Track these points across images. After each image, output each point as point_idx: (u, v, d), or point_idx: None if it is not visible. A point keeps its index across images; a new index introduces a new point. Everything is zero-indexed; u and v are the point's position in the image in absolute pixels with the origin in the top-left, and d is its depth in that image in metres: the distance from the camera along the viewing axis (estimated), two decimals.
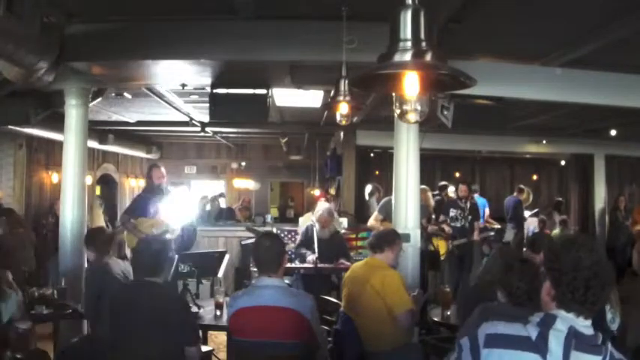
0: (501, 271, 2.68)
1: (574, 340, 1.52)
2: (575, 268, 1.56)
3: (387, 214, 6.23)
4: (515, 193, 10.43)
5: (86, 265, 5.39)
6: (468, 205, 7.60)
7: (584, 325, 1.56)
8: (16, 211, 7.66)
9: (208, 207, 11.14)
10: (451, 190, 8.54)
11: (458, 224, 7.50)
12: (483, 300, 2.69)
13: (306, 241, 6.05)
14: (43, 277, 6.59)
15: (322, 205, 6.30)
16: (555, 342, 1.52)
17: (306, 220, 7.09)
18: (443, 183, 9.52)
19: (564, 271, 1.57)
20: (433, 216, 7.92)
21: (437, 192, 8.90)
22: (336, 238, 6.15)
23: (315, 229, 5.97)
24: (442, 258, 7.35)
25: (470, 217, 7.55)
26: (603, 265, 1.58)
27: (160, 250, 3.07)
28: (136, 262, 3.12)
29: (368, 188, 8.99)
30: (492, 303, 2.49)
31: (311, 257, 5.81)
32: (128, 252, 6.49)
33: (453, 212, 7.60)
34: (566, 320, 1.55)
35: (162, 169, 5.89)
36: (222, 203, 11.89)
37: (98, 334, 3.70)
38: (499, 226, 9.64)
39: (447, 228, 7.42)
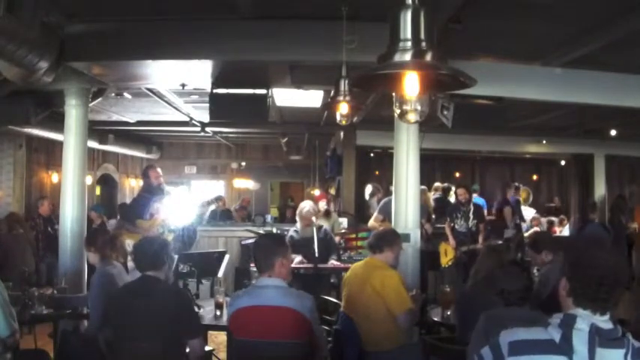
0: (492, 274, 2.68)
1: (597, 337, 1.54)
2: (590, 265, 1.60)
3: (387, 214, 6.21)
4: (512, 193, 10.37)
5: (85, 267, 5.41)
6: (472, 208, 7.34)
7: (603, 320, 1.58)
8: (17, 212, 7.66)
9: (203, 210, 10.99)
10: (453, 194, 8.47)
11: (463, 229, 7.24)
12: (476, 299, 2.68)
13: (299, 246, 5.78)
14: (37, 277, 6.56)
15: (307, 202, 6.11)
16: (579, 342, 1.54)
17: None
18: (446, 185, 9.46)
19: (579, 267, 1.62)
20: (433, 216, 7.89)
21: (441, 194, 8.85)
22: (326, 235, 6.00)
23: (314, 229, 5.91)
24: (449, 264, 7.14)
25: (475, 221, 7.26)
26: (619, 265, 1.62)
27: (161, 246, 3.20)
28: (138, 258, 3.19)
29: (368, 189, 8.96)
30: (496, 309, 2.49)
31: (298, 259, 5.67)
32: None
33: (457, 216, 7.42)
34: (586, 318, 1.57)
35: (158, 169, 5.90)
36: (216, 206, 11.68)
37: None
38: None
39: (428, 227, 6.92)
